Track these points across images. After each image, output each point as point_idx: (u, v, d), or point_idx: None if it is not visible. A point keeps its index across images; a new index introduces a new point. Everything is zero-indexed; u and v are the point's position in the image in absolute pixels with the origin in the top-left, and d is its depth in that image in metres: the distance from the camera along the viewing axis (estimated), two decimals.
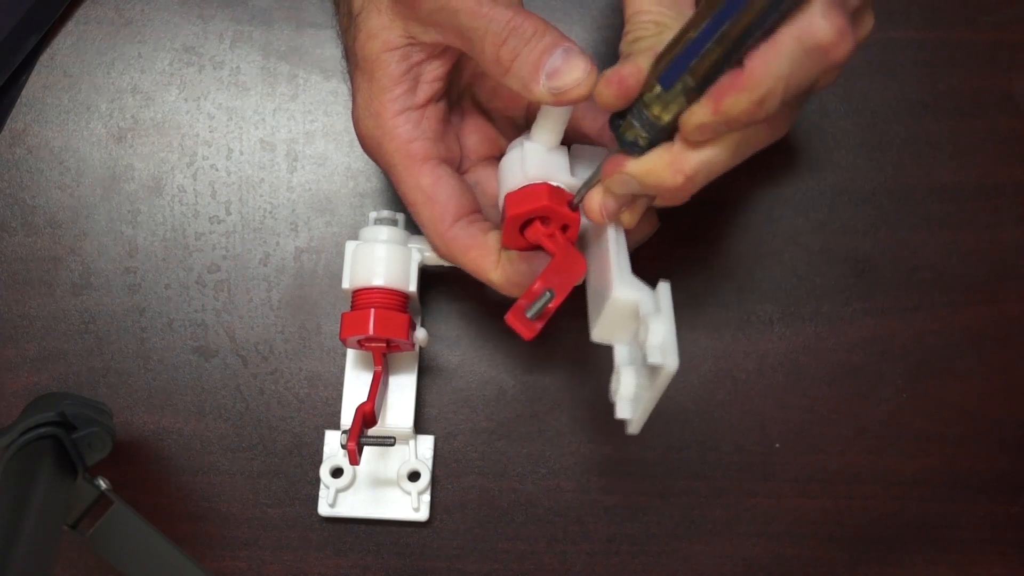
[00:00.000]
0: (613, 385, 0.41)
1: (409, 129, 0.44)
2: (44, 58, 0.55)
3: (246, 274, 0.54)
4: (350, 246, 0.48)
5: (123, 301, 0.53)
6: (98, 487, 0.44)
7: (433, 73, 0.44)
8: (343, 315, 0.47)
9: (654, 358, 0.38)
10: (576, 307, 0.53)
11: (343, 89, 0.55)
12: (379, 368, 0.47)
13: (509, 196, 0.43)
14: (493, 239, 0.44)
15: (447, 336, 0.53)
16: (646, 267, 0.45)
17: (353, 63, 0.44)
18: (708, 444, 0.52)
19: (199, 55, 0.55)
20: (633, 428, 0.40)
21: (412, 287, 0.48)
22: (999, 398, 0.53)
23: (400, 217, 0.49)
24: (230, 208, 0.54)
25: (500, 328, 0.53)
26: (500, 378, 0.53)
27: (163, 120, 0.55)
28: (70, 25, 0.55)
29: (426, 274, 0.50)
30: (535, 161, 0.44)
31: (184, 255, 0.54)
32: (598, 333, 0.43)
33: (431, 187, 0.44)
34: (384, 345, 0.47)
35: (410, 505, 0.51)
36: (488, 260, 0.44)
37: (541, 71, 0.40)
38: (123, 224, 0.54)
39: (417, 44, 0.43)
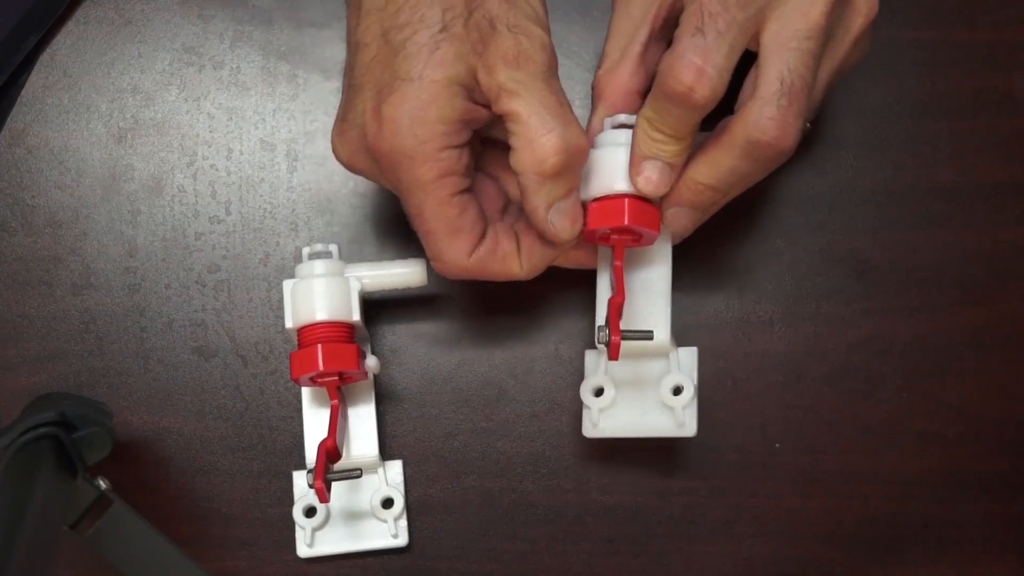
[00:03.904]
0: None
1: (452, 164, 0.43)
2: (44, 58, 0.55)
3: (246, 274, 0.54)
4: (287, 285, 0.48)
5: (123, 301, 0.53)
6: (98, 487, 0.44)
7: (482, 117, 0.44)
8: (291, 354, 0.47)
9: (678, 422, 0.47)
10: (577, 309, 0.53)
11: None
12: (335, 402, 0.47)
13: (613, 202, 0.45)
14: (508, 243, 0.45)
15: (448, 337, 0.53)
16: None
17: (396, 66, 0.42)
18: (708, 444, 0.52)
19: (199, 55, 0.55)
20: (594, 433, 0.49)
21: (356, 316, 0.48)
22: (999, 398, 0.53)
23: (334, 248, 0.49)
24: (230, 208, 0.54)
25: (499, 329, 0.53)
26: (500, 378, 0.53)
27: (163, 120, 0.55)
28: (70, 25, 0.55)
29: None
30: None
31: (184, 255, 0.54)
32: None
33: (458, 218, 0.43)
34: (337, 378, 0.47)
35: (388, 532, 0.51)
36: (512, 263, 0.45)
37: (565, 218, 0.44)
38: (123, 224, 0.54)
39: (479, 89, 0.42)
